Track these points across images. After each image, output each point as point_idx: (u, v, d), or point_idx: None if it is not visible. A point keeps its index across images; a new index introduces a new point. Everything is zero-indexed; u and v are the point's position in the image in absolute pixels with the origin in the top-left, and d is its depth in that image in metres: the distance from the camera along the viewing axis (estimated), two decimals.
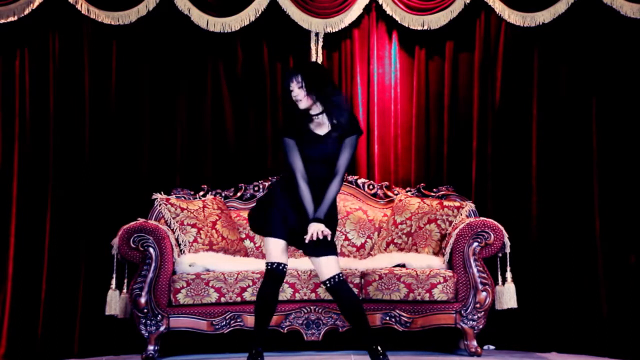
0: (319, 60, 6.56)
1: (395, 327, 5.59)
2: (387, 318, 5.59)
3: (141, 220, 5.82)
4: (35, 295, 6.25)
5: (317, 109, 4.69)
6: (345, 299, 4.67)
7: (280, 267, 4.67)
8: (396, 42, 6.64)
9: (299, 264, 5.67)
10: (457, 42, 6.57)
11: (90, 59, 6.45)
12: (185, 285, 5.58)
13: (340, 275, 4.66)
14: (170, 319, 5.59)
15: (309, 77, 4.65)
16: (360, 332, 4.67)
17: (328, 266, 4.65)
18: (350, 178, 6.47)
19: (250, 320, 5.55)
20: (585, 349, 5.92)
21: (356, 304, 4.68)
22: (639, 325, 6.00)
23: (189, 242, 5.93)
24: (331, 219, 4.71)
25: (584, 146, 6.36)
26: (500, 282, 5.80)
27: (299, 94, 4.66)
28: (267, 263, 4.69)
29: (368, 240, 6.25)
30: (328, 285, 4.66)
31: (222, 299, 5.58)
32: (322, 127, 4.72)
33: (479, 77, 6.51)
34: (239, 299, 5.59)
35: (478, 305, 5.59)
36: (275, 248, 4.68)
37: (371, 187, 6.47)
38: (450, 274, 5.66)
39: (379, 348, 4.60)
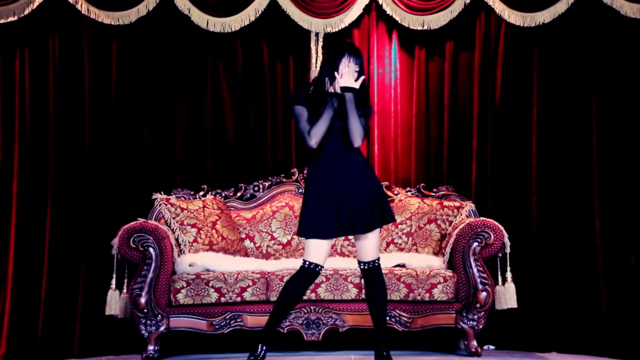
0: (319, 60, 6.56)
1: (395, 327, 5.59)
2: (387, 318, 5.58)
3: (141, 220, 5.82)
4: (35, 295, 6.25)
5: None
6: (375, 285, 4.69)
7: (312, 267, 4.62)
8: (396, 42, 6.64)
9: (298, 264, 5.66)
10: (457, 42, 6.57)
11: (90, 59, 6.45)
12: (185, 285, 5.58)
13: (377, 261, 4.66)
14: (170, 319, 5.59)
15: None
16: (375, 324, 4.71)
17: (370, 248, 4.64)
18: None
19: (250, 320, 5.55)
20: (585, 349, 5.92)
21: (382, 295, 4.69)
22: (639, 325, 6.01)
23: (189, 242, 5.93)
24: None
25: (584, 146, 6.36)
26: (500, 282, 5.80)
27: (354, 76, 4.58)
28: (303, 260, 4.64)
29: None
30: (364, 267, 4.68)
31: (222, 299, 5.58)
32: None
33: (479, 77, 6.51)
34: (239, 299, 5.59)
35: (478, 305, 5.59)
36: (314, 248, 4.63)
37: None
38: (450, 274, 5.66)
39: (384, 350, 4.62)
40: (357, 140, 4.59)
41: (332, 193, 4.60)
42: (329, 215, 4.58)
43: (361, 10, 6.53)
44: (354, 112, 4.57)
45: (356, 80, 4.58)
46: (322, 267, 4.64)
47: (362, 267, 4.69)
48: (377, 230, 4.65)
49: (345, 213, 4.59)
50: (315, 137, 4.56)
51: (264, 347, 4.65)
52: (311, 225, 4.60)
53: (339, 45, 4.71)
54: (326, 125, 4.57)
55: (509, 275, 5.81)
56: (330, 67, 4.63)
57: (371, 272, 4.68)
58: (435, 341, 5.99)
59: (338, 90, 4.59)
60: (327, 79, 4.64)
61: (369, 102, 4.75)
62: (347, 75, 4.57)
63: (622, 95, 6.32)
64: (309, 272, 4.62)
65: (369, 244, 4.65)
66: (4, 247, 6.29)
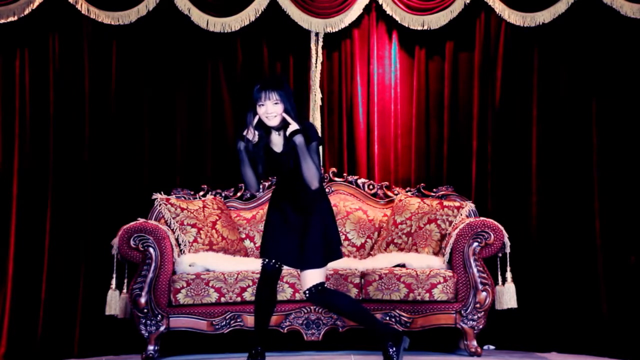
0: (319, 61, 6.57)
1: (395, 327, 5.58)
2: (387, 318, 5.59)
3: (141, 220, 5.83)
4: (35, 295, 6.25)
5: (280, 124, 4.63)
6: (330, 308, 4.79)
7: (272, 263, 4.69)
8: (396, 42, 6.64)
9: None
10: (457, 42, 6.57)
11: (90, 59, 6.46)
12: (185, 285, 5.58)
13: (316, 287, 4.62)
14: (170, 319, 5.59)
15: (287, 95, 4.58)
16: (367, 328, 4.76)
17: (305, 280, 4.65)
18: (350, 178, 6.47)
19: (250, 320, 5.55)
20: (585, 349, 5.92)
21: (343, 306, 4.69)
22: (639, 325, 6.01)
23: (189, 242, 5.93)
24: (327, 214, 4.70)
25: (583, 146, 6.36)
26: (500, 282, 5.81)
27: (275, 111, 4.58)
28: (262, 260, 4.73)
29: (368, 240, 6.25)
30: (304, 298, 4.76)
31: (222, 299, 5.58)
32: (278, 145, 4.69)
33: (479, 77, 6.51)
34: (239, 299, 5.59)
35: (478, 305, 5.59)
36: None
37: (371, 187, 6.47)
38: (450, 274, 5.66)
39: (387, 347, 4.59)
40: (312, 183, 4.57)
41: (277, 224, 4.68)
42: (271, 241, 4.69)
43: (361, 10, 6.54)
44: (305, 155, 4.52)
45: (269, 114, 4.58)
46: (280, 263, 4.71)
47: (304, 297, 4.75)
48: (310, 270, 4.65)
49: (280, 245, 4.66)
50: (247, 187, 4.83)
51: (258, 348, 4.71)
52: (262, 243, 4.75)
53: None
54: (243, 171, 4.61)
55: (509, 275, 5.82)
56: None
57: (313, 301, 4.70)
58: (435, 341, 5.99)
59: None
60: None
61: (304, 124, 4.63)
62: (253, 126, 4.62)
63: (622, 95, 6.32)
64: (268, 271, 4.69)
65: (302, 278, 4.68)
66: (4, 247, 6.30)
